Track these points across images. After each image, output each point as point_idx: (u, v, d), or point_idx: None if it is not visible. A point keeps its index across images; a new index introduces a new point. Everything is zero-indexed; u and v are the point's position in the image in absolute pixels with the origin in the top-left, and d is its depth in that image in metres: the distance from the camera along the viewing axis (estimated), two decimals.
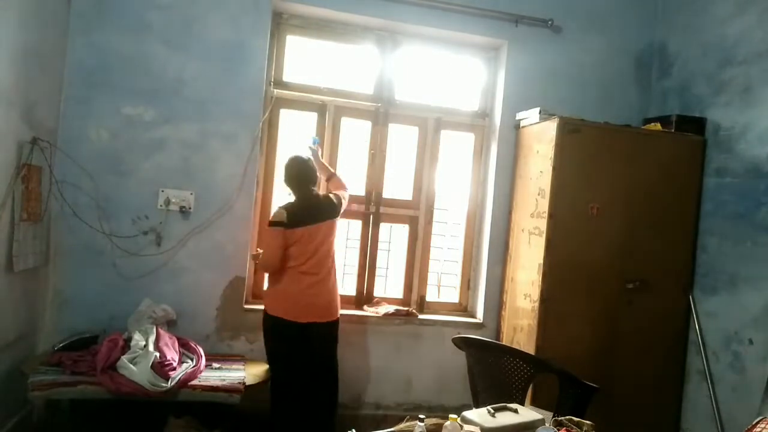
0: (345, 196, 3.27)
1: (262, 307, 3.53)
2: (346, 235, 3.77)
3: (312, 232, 3.02)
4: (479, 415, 2.18)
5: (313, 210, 3.07)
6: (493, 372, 2.89)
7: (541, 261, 3.31)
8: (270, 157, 3.66)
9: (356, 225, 3.78)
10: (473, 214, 3.97)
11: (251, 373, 3.09)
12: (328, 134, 3.73)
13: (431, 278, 3.93)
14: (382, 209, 3.81)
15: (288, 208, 3.03)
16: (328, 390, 3.16)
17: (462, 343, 3.04)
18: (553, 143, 3.31)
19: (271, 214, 3.22)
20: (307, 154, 3.28)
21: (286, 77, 3.69)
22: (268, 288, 3.17)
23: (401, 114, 3.84)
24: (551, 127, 3.35)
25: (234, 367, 3.12)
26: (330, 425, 3.15)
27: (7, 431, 2.83)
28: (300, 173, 3.11)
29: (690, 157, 3.49)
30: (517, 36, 3.78)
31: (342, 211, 3.21)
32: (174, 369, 2.77)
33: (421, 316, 3.75)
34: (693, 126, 3.51)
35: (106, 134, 3.27)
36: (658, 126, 3.55)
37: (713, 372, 3.28)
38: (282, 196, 3.62)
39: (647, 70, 4.00)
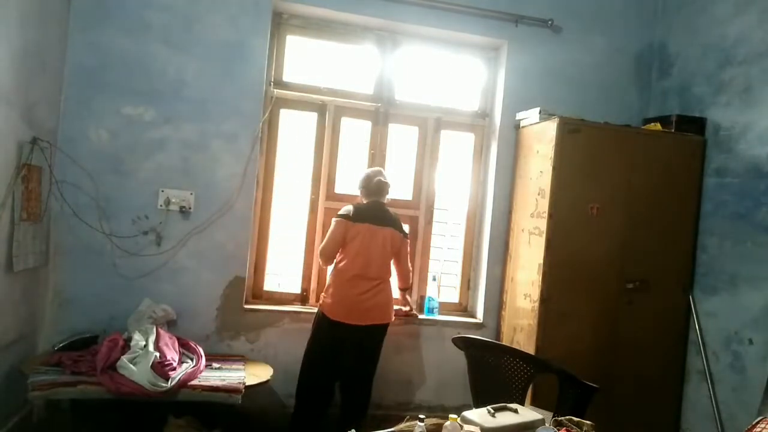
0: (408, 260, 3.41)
1: (261, 307, 3.57)
2: None
3: (373, 232, 3.14)
4: (479, 415, 2.18)
5: (378, 213, 3.22)
6: (493, 372, 2.90)
7: (541, 261, 3.31)
8: (270, 157, 3.65)
9: None
10: (473, 214, 3.97)
11: (251, 373, 3.09)
12: (328, 134, 3.72)
13: (431, 278, 3.93)
14: None
15: (355, 206, 3.24)
16: (357, 399, 3.22)
17: (462, 343, 3.04)
18: (553, 143, 3.31)
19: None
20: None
21: (286, 77, 3.69)
22: (326, 288, 3.25)
23: (401, 114, 3.83)
24: (551, 127, 3.35)
25: (234, 367, 3.12)
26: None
27: (7, 431, 2.83)
28: (377, 185, 3.26)
29: (690, 157, 3.49)
30: (517, 36, 3.78)
31: (405, 246, 3.32)
32: (174, 369, 2.77)
33: (421, 316, 3.75)
34: (693, 126, 3.51)
35: (106, 134, 3.27)
36: (658, 126, 3.55)
37: (713, 372, 3.28)
38: (282, 197, 3.68)
39: (647, 70, 4.00)
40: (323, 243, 3.22)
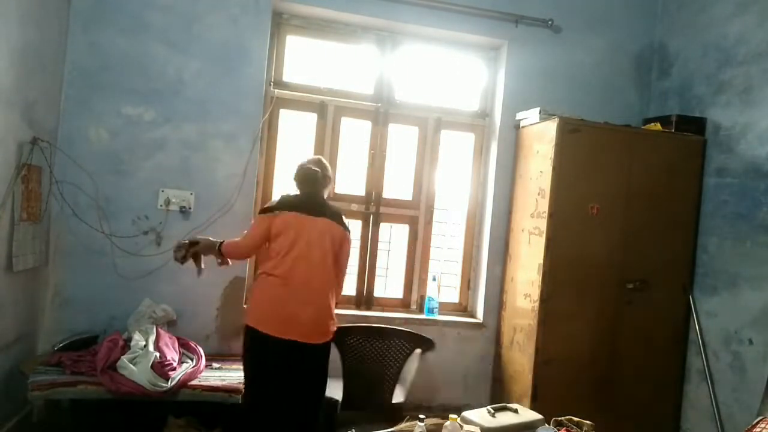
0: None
1: None
2: None
3: (303, 222, 2.62)
4: (479, 415, 2.19)
5: (310, 203, 2.72)
6: (374, 356, 2.99)
7: (541, 261, 3.31)
8: (270, 157, 3.66)
9: (356, 225, 3.78)
10: (473, 214, 3.97)
11: None
12: (328, 134, 3.72)
13: (431, 278, 3.93)
14: (382, 209, 3.81)
15: (282, 196, 2.79)
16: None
17: (340, 335, 2.85)
18: (553, 143, 3.31)
19: None
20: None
21: (286, 77, 3.69)
22: (251, 295, 2.79)
23: (401, 114, 3.83)
24: (551, 127, 3.35)
25: (234, 367, 3.11)
26: None
27: (7, 431, 2.83)
28: (309, 174, 2.78)
29: (690, 157, 3.49)
30: (517, 36, 3.78)
31: (348, 243, 2.79)
32: (174, 369, 2.77)
33: (421, 317, 3.75)
34: (693, 126, 3.51)
35: (106, 134, 3.27)
36: (658, 126, 3.55)
37: (713, 372, 3.28)
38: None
39: (647, 70, 4.00)
40: (242, 239, 2.75)
